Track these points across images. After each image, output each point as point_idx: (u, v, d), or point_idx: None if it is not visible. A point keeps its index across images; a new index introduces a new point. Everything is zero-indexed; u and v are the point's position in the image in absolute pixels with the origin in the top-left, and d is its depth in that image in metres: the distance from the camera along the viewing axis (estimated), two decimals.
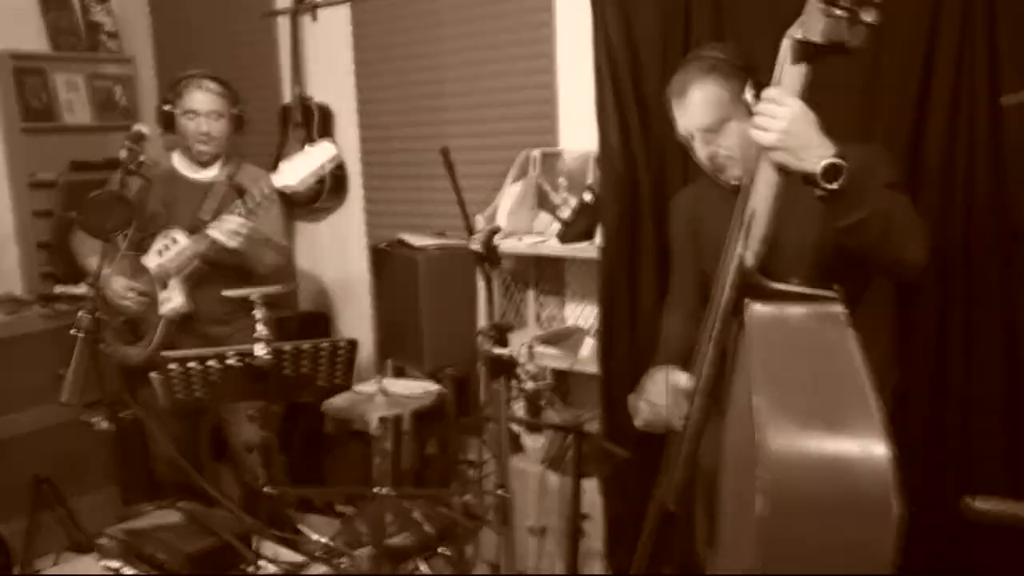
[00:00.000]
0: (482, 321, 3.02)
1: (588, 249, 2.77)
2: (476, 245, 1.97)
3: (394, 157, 3.69)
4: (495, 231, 1.96)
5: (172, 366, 2.19)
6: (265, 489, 2.23)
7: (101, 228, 2.40)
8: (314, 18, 3.87)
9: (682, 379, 1.74)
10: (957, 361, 2.14)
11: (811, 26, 1.34)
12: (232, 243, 2.61)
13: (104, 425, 2.61)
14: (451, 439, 3.12)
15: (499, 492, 2.09)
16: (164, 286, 2.72)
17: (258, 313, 2.21)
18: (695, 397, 1.59)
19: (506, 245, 2.82)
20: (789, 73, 1.40)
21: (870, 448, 1.28)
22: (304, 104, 3.86)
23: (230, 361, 2.21)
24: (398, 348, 3.21)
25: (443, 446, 3.33)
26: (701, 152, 1.78)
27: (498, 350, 1.77)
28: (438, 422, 3.19)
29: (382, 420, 3.18)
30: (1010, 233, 2.08)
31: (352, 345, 2.34)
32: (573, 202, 2.89)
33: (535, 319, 3.16)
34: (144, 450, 3.18)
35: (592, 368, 2.75)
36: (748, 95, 1.61)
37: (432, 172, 3.54)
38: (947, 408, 2.17)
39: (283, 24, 4.01)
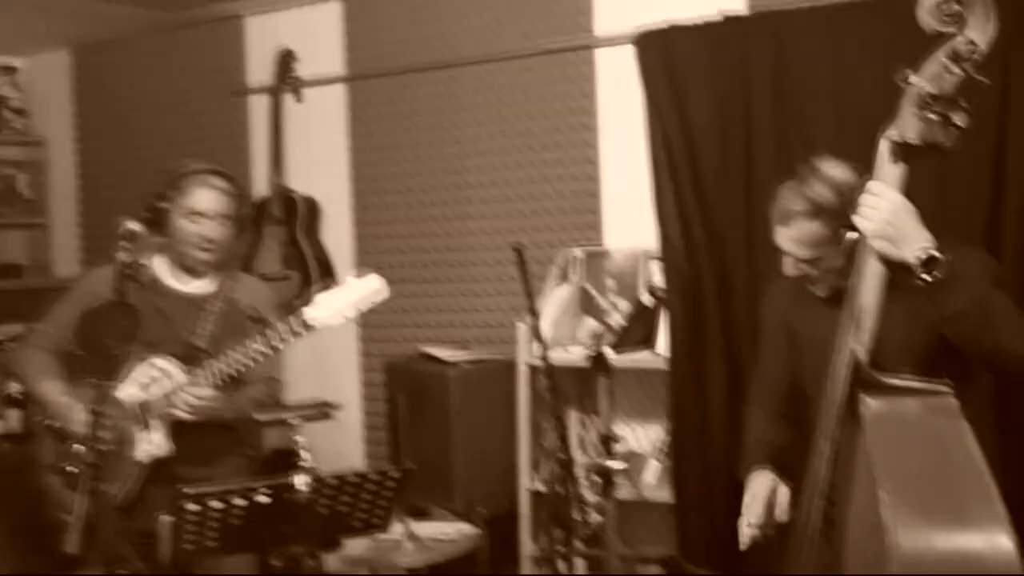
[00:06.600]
0: (523, 446, 3.48)
1: (649, 359, 3.29)
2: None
3: (397, 259, 4.20)
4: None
5: (191, 506, 2.31)
6: None
7: (100, 344, 2.68)
8: (299, 99, 4.47)
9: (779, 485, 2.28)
10: None
11: (907, 128, 1.92)
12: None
13: None
14: None
15: None
16: (145, 425, 2.85)
17: (300, 437, 2.56)
18: (813, 498, 2.07)
19: (552, 357, 3.30)
20: (889, 170, 1.96)
21: (996, 541, 1.77)
22: (286, 196, 4.39)
23: (261, 498, 2.39)
24: (419, 483, 3.60)
25: None
26: (787, 269, 2.34)
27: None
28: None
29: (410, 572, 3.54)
30: None
31: (405, 476, 2.62)
32: (624, 306, 3.43)
33: (578, 443, 3.62)
34: None
35: (659, 495, 3.20)
36: (847, 232, 2.15)
37: (447, 275, 4.08)
38: None
39: (255, 104, 4.60)
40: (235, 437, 3.08)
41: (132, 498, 2.83)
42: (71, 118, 5.32)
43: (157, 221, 2.96)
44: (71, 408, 2.85)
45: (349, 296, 2.69)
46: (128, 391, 2.86)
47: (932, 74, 1.86)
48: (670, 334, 3.23)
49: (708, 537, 3.12)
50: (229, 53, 4.67)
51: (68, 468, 2.81)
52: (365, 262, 4.29)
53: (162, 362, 2.85)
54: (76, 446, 2.77)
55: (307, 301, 2.71)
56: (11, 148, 5.40)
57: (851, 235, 2.09)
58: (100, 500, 2.59)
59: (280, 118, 4.47)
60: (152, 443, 2.84)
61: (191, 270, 2.98)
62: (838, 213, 2.21)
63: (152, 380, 2.85)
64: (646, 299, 3.34)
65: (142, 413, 2.85)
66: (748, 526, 2.33)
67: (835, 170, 2.27)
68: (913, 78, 1.89)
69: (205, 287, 2.99)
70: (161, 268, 3.01)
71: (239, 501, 2.37)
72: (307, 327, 2.69)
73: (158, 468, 2.85)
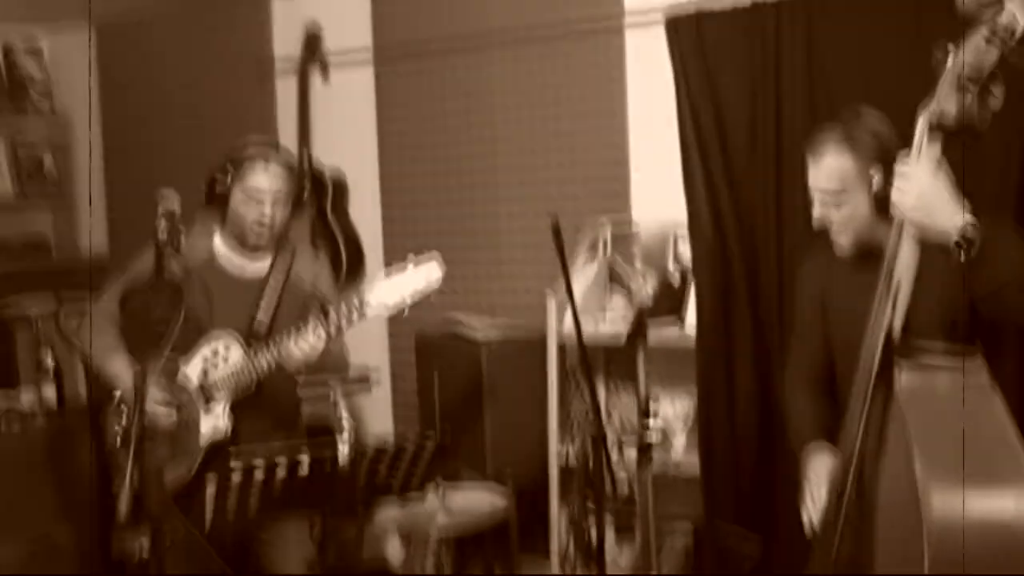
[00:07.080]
0: (553, 419, 3.55)
1: (675, 335, 3.35)
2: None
3: (423, 241, 4.13)
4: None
5: (235, 475, 2.36)
6: None
7: (144, 320, 2.75)
8: (326, 77, 4.49)
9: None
10: None
11: (943, 108, 1.96)
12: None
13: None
14: (513, 566, 3.54)
15: None
16: (207, 406, 2.89)
17: (343, 410, 2.57)
18: (845, 468, 2.12)
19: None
20: (924, 150, 2.01)
21: None
22: (315, 175, 4.44)
23: (302, 467, 2.42)
24: (450, 455, 3.67)
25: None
26: (816, 211, 2.39)
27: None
28: (487, 545, 3.62)
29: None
30: None
31: (440, 448, 2.66)
32: (651, 282, 3.48)
33: (605, 416, 3.68)
34: None
35: (685, 467, 3.27)
36: (876, 178, 2.23)
37: (475, 254, 4.10)
38: None
39: (282, 82, 4.62)
40: (292, 417, 3.11)
41: (190, 479, 2.85)
42: (95, 98, 5.29)
43: (216, 200, 2.97)
44: (128, 382, 2.87)
45: (407, 283, 2.73)
46: (190, 371, 2.90)
47: (970, 55, 1.89)
48: (697, 307, 3.28)
49: (734, 503, 3.20)
50: (256, 31, 4.68)
51: (117, 438, 2.90)
52: (393, 239, 4.37)
53: (222, 341, 2.88)
54: (124, 418, 2.91)
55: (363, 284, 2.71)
56: (37, 127, 5.39)
57: (878, 174, 2.16)
58: (147, 470, 2.61)
59: (307, 96, 4.47)
60: (212, 425, 2.88)
61: (250, 248, 2.98)
62: (868, 152, 2.28)
63: (213, 361, 2.88)
64: (675, 276, 3.39)
65: (203, 393, 2.89)
66: (813, 511, 2.33)
67: (874, 117, 2.35)
68: (950, 59, 1.93)
69: (264, 265, 3.00)
70: (220, 246, 3.01)
71: (281, 471, 2.44)
72: (364, 313, 2.73)
73: (217, 449, 2.87)
